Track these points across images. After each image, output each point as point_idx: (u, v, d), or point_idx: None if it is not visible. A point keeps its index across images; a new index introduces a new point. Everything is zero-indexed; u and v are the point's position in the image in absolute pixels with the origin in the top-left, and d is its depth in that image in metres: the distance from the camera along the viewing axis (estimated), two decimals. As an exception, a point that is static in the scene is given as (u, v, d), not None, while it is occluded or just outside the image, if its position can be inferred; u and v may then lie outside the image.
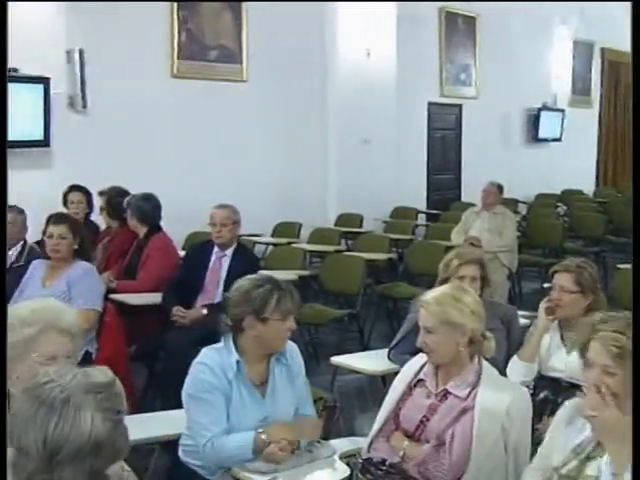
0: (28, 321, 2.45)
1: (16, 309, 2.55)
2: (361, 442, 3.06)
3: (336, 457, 2.92)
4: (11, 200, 5.63)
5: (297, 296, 3.07)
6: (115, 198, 6.54)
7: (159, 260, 5.82)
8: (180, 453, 3.06)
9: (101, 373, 1.81)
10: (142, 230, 6.05)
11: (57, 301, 2.60)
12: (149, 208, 6.07)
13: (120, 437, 1.76)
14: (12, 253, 5.39)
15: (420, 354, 3.02)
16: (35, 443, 1.67)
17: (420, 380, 2.95)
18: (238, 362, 2.99)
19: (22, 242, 5.44)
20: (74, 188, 6.91)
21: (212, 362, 2.98)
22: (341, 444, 3.07)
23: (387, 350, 4.31)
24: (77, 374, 1.77)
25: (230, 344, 3.02)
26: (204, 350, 3.06)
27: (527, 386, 3.43)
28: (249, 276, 3.12)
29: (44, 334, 2.43)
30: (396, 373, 3.25)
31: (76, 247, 4.88)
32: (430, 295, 2.95)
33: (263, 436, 2.86)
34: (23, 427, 1.70)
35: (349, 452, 2.99)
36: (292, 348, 3.16)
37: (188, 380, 3.00)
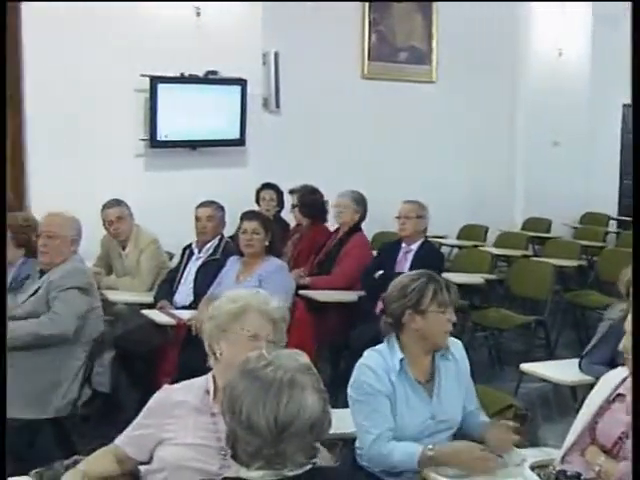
0: (234, 299, 2.60)
1: (228, 292, 2.73)
2: (551, 453, 2.98)
3: (526, 466, 2.86)
4: (207, 196, 5.92)
5: (455, 289, 3.05)
6: (306, 196, 6.71)
7: (357, 259, 5.93)
8: (357, 455, 3.07)
9: (301, 356, 1.93)
10: (345, 227, 6.19)
11: (264, 291, 2.70)
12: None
13: (326, 415, 1.89)
14: (209, 246, 5.61)
15: (620, 367, 2.91)
16: (266, 421, 1.81)
17: (620, 394, 2.82)
18: (402, 360, 2.98)
19: (219, 237, 5.67)
20: (266, 186, 7.15)
21: (374, 363, 2.98)
22: (531, 453, 3.01)
23: (577, 360, 4.19)
24: (286, 357, 1.90)
25: (393, 342, 3.02)
26: (367, 351, 3.06)
27: None
28: (406, 272, 3.12)
29: (247, 312, 2.55)
30: (590, 385, 3.15)
31: (267, 243, 5.06)
32: None
33: (430, 453, 2.82)
34: (253, 406, 1.83)
35: (539, 462, 2.92)
36: (457, 344, 3.14)
37: (351, 382, 3.01)
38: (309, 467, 1.87)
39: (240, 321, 2.54)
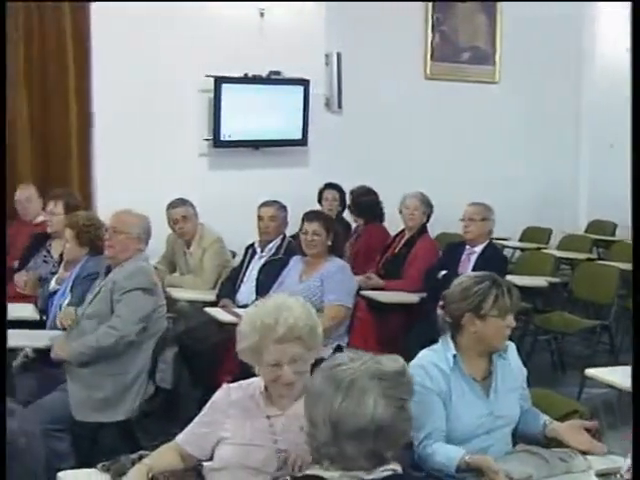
0: (254, 325, 2.53)
1: (250, 312, 2.64)
2: (617, 460, 2.93)
3: (592, 473, 2.82)
4: (270, 196, 5.97)
5: (517, 294, 3.00)
6: (359, 197, 6.73)
7: (425, 261, 5.93)
8: (415, 456, 3.03)
9: (392, 361, 1.93)
10: (414, 229, 6.20)
11: (282, 304, 2.58)
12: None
13: (402, 423, 1.88)
14: (272, 246, 5.65)
15: None
16: (322, 417, 1.84)
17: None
18: (455, 357, 2.97)
19: (281, 236, 5.70)
20: (329, 186, 7.17)
21: (427, 362, 2.96)
22: (596, 460, 2.95)
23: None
24: (367, 360, 1.90)
25: (447, 341, 3.01)
26: (422, 351, 3.05)
27: None
28: (469, 273, 3.11)
29: (263, 345, 2.50)
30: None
31: (330, 243, 5.07)
32: None
33: (467, 459, 2.79)
34: (314, 401, 1.88)
35: (606, 470, 2.87)
36: (510, 346, 3.12)
37: None
38: (389, 473, 1.86)
39: (261, 354, 2.51)
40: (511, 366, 3.10)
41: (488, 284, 2.97)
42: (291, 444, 2.51)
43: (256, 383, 2.65)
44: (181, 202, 5.97)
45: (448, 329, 3.05)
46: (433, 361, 2.98)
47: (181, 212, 5.93)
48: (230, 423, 2.60)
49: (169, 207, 5.97)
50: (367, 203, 6.76)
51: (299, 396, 2.50)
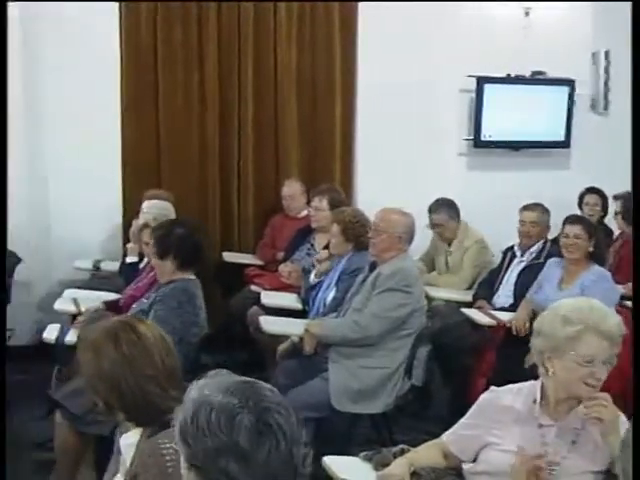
0: (568, 318, 2.46)
1: (559, 305, 2.58)
2: None
3: None
4: (529, 198, 5.85)
5: None
6: (630, 202, 6.41)
7: None
8: None
9: None
10: None
11: (601, 303, 2.56)
12: None
13: None
14: (533, 250, 5.55)
15: None
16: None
17: None
18: None
19: (543, 240, 5.59)
20: (590, 190, 6.89)
21: None
22: None
23: None
24: None
25: None
26: None
27: None
28: None
29: (585, 335, 2.42)
30: None
31: (591, 249, 4.91)
32: None
33: None
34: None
35: None
36: None
37: None
38: None
39: (576, 346, 2.42)
40: None
41: None
42: (561, 457, 2.47)
43: (527, 389, 2.60)
44: (436, 206, 5.99)
45: None
46: None
47: (439, 219, 5.96)
48: (499, 429, 2.57)
49: (430, 210, 6.01)
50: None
51: (574, 407, 2.47)
